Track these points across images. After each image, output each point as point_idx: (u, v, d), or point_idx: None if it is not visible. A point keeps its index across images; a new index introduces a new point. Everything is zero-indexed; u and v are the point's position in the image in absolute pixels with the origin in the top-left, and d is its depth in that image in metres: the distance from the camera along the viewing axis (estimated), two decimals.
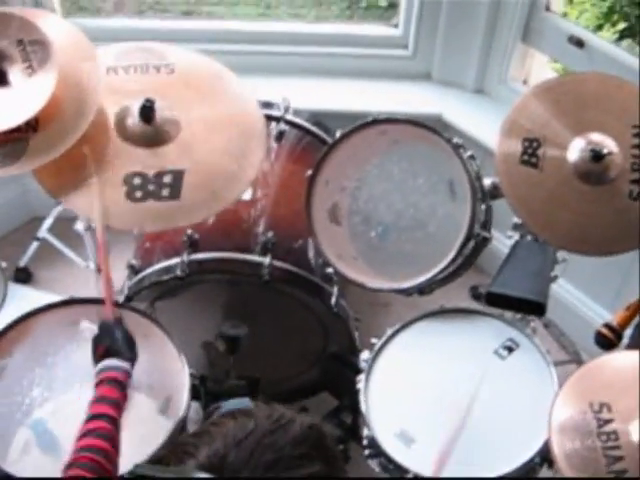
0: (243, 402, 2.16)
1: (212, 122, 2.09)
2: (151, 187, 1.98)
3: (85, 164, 1.96)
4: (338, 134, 2.33)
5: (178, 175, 1.99)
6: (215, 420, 1.17)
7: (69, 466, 1.51)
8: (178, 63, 2.15)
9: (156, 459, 1.19)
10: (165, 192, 1.98)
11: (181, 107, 2.09)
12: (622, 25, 3.43)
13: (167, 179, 1.99)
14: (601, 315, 2.89)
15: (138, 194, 1.97)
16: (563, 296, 2.90)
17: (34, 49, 1.94)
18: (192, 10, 3.50)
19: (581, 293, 2.94)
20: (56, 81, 1.90)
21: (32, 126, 1.92)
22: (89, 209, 1.96)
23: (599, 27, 3.49)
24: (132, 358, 1.80)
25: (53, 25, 2.02)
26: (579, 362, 2.67)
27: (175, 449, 1.15)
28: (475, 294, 3.09)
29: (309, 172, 2.17)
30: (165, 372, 2.04)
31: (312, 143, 2.62)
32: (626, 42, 3.41)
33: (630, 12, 3.43)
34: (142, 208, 1.97)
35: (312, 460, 1.11)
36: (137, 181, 1.97)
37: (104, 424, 1.60)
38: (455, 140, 2.09)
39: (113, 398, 1.68)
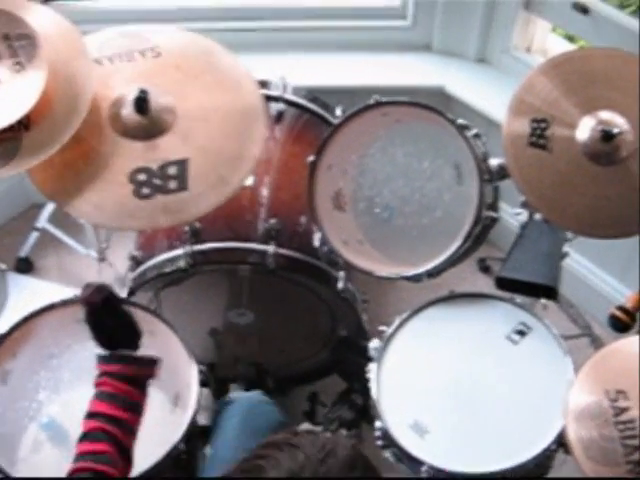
0: (254, 395, 2.14)
1: (208, 103, 2.02)
2: (157, 181, 1.90)
3: (82, 163, 1.91)
4: (337, 114, 2.28)
5: (182, 165, 1.93)
6: (259, 452, 1.15)
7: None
8: (163, 45, 2.07)
9: None
10: (172, 185, 1.91)
11: (174, 92, 2.01)
12: None
13: (172, 171, 1.92)
14: (611, 285, 2.87)
15: (145, 191, 1.89)
16: (572, 266, 2.86)
17: (22, 44, 1.88)
18: None
19: (590, 263, 2.91)
20: (46, 77, 1.84)
21: (24, 124, 1.86)
22: (87, 211, 1.92)
23: None
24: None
25: (40, 17, 1.95)
26: (590, 335, 2.65)
27: None
28: (483, 267, 3.06)
29: (311, 158, 2.12)
30: (173, 368, 2.00)
31: (311, 121, 2.56)
32: None
33: None
34: (152, 205, 1.89)
35: None
36: (142, 177, 1.90)
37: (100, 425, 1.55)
38: (460, 121, 2.03)
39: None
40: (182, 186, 1.91)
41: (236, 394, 2.20)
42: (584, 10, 2.53)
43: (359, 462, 1.12)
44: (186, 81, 2.05)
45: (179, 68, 2.06)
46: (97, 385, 1.61)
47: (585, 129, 1.90)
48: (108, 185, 1.91)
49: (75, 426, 1.88)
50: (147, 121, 1.96)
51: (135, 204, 1.90)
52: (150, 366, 1.67)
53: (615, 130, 1.86)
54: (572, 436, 1.69)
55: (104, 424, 1.54)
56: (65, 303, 2.08)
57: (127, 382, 1.61)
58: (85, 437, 1.55)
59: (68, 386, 1.98)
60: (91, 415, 1.56)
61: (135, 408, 1.61)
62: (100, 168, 1.92)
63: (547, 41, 2.93)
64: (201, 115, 2.01)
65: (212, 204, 1.94)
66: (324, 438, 1.14)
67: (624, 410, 1.69)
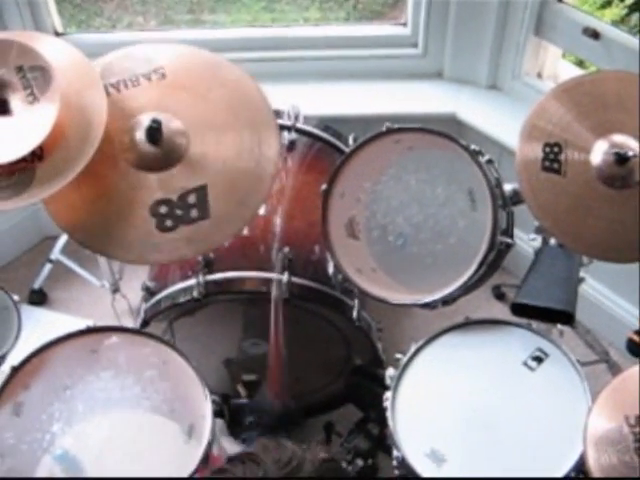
0: None
1: (219, 123, 2.00)
2: (179, 212, 1.91)
3: (102, 201, 1.92)
4: (350, 142, 2.28)
5: (201, 192, 1.93)
6: (223, 467, 1.15)
7: None
8: (167, 64, 2.05)
9: None
10: (194, 213, 1.92)
11: (184, 115, 2.00)
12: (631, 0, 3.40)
13: (192, 199, 1.92)
14: (627, 310, 2.85)
15: (169, 223, 1.90)
16: (588, 292, 2.84)
17: (35, 75, 1.89)
18: (196, 18, 3.45)
19: (606, 288, 2.88)
20: (59, 107, 1.85)
21: (37, 155, 1.87)
22: (113, 250, 1.93)
23: (608, 3, 3.44)
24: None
25: (53, 48, 1.97)
26: (608, 361, 2.62)
27: None
28: (498, 294, 3.04)
29: (324, 186, 2.12)
30: (187, 399, 2.00)
31: (323, 149, 2.56)
32: (636, 16, 3.36)
33: None
34: (176, 236, 1.91)
35: None
36: (164, 209, 1.91)
37: None
38: (472, 146, 2.03)
39: None
40: (204, 214, 1.92)
41: None
42: (595, 35, 2.53)
43: (325, 477, 1.11)
44: (194, 101, 2.02)
45: (186, 88, 2.03)
46: None
47: (599, 153, 1.90)
48: (131, 221, 1.92)
49: (89, 457, 1.89)
50: (161, 150, 1.96)
51: (159, 237, 1.91)
52: None
53: (629, 153, 1.85)
54: (592, 463, 1.67)
55: None
56: (78, 334, 2.08)
57: None
58: None
59: (82, 417, 1.95)
60: None
61: None
62: (121, 204, 1.93)
63: (558, 67, 2.93)
64: (213, 137, 2.00)
65: (236, 229, 1.96)
66: (292, 453, 1.14)
67: None
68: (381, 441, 2.33)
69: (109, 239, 1.92)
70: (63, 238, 2.91)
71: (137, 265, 2.50)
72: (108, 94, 2.01)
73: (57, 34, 2.95)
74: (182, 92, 2.04)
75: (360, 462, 2.30)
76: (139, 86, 2.04)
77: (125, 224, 1.91)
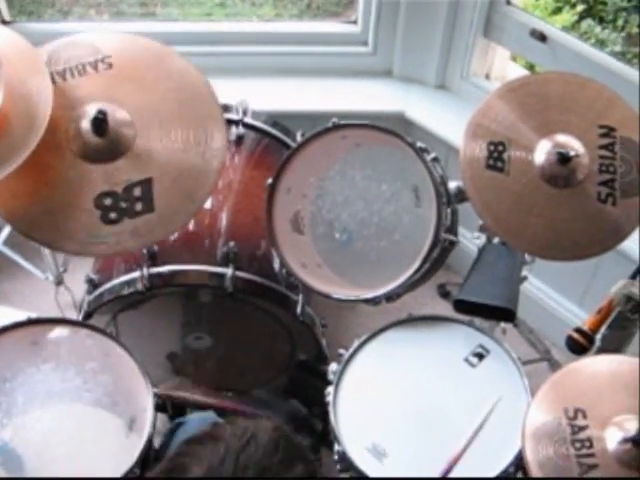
0: (207, 416, 2.12)
1: (165, 116, 1.97)
2: (123, 204, 1.89)
3: (45, 191, 1.89)
4: (298, 138, 2.28)
5: (146, 185, 1.90)
6: (182, 450, 1.14)
7: None
8: (114, 53, 2.02)
9: None
10: (138, 206, 1.89)
11: (130, 106, 1.97)
12: (581, 7, 3.45)
13: (137, 192, 1.90)
14: (570, 310, 2.88)
15: (113, 215, 1.88)
16: (531, 292, 2.88)
17: None
18: (147, 12, 3.43)
19: (549, 288, 2.92)
20: (3, 95, 1.82)
21: None
22: (54, 239, 1.90)
23: (559, 9, 3.48)
24: None
25: None
26: (550, 360, 2.65)
27: None
28: (443, 292, 3.06)
29: (269, 181, 2.12)
30: (129, 392, 1.99)
31: (271, 145, 2.57)
32: (586, 23, 3.41)
33: None
34: (120, 229, 1.88)
35: (292, 462, 1.10)
36: (108, 202, 1.88)
37: None
38: (418, 144, 2.04)
39: None
40: (148, 208, 1.90)
41: (189, 415, 2.17)
42: (542, 37, 2.57)
43: (281, 444, 1.12)
44: (140, 92, 2.00)
45: (133, 79, 2.01)
46: None
47: (542, 152, 1.92)
48: (75, 212, 1.89)
49: (29, 450, 1.87)
50: (106, 142, 1.94)
51: (103, 230, 1.88)
52: None
53: (571, 153, 1.88)
54: (528, 454, 1.69)
55: None
56: (18, 326, 2.06)
57: None
58: None
59: (22, 410, 1.93)
60: None
61: None
62: (65, 195, 1.90)
63: (507, 69, 2.96)
64: (159, 129, 1.97)
65: (180, 223, 1.95)
66: (245, 425, 1.14)
67: (582, 429, 1.69)
68: (324, 437, 2.34)
69: (52, 229, 1.88)
70: (6, 230, 2.87)
71: (81, 257, 2.47)
72: (54, 82, 1.98)
73: (4, 22, 2.91)
74: (129, 83, 2.01)
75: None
76: (86, 75, 2.01)
77: (68, 215, 1.89)
